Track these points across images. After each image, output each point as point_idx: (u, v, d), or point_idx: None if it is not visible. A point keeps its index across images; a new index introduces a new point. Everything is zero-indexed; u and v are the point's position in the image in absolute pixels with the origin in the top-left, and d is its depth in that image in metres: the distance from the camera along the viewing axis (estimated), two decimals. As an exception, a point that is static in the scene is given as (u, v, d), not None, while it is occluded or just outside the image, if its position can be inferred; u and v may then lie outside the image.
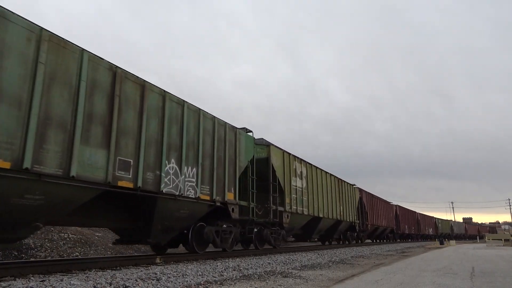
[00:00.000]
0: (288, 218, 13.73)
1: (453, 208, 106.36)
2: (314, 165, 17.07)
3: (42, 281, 4.98)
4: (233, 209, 10.38)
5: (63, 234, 12.39)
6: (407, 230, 39.34)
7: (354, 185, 24.21)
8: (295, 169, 14.91)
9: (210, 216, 9.89)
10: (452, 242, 34.68)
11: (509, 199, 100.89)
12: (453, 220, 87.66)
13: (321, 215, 16.95)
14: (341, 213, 20.03)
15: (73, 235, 12.50)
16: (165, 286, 5.31)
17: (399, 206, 37.37)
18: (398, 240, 38.99)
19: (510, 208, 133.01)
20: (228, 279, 6.30)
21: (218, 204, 9.76)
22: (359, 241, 26.39)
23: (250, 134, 12.16)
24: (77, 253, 11.26)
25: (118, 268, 6.97)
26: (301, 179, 15.28)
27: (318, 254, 13.44)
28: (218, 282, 5.91)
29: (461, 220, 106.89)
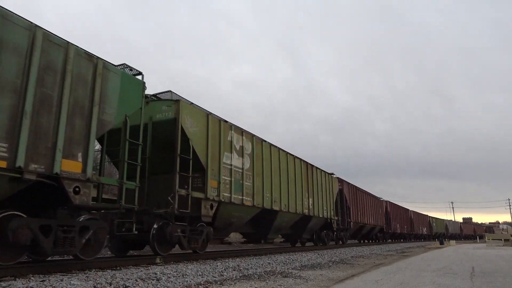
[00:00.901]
0: (212, 209, 9.83)
1: (453, 208, 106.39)
2: (268, 142, 12.90)
3: (42, 281, 4.98)
4: (77, 189, 6.41)
5: (63, 234, 12.37)
6: (399, 229, 36.44)
7: (333, 174, 20.16)
8: (231, 141, 10.88)
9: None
10: (452, 242, 34.67)
11: (509, 199, 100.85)
12: (453, 220, 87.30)
13: (276, 208, 12.67)
14: (311, 207, 16.05)
15: (73, 235, 12.49)
16: (165, 286, 5.31)
17: (390, 202, 34.26)
18: (390, 241, 36.45)
19: (510, 208, 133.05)
20: (228, 279, 6.30)
21: (35, 178, 5.79)
22: (340, 242, 21.65)
23: (138, 77, 8.29)
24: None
25: (118, 268, 6.97)
26: (242, 157, 11.26)
27: (318, 254, 13.44)
28: (218, 282, 5.91)
29: (461, 220, 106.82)
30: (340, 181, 21.71)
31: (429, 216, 51.47)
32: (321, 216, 17.27)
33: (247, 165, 11.40)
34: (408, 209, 41.87)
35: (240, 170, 11.04)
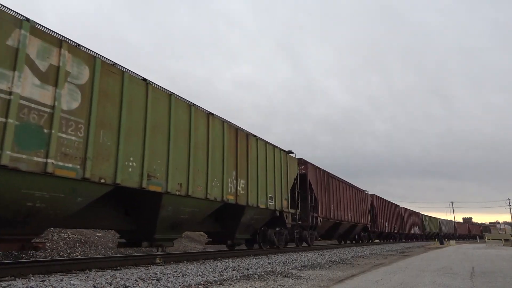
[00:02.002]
0: None
1: (453, 208, 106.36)
2: (138, 78, 7.75)
3: (42, 281, 4.97)
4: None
5: (63, 234, 12.39)
6: (388, 228, 31.82)
7: (292, 152, 15.09)
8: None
9: None
10: (452, 242, 34.65)
11: (509, 199, 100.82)
12: (453, 219, 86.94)
13: (153, 188, 7.67)
14: (242, 192, 10.89)
15: (73, 235, 12.50)
16: (165, 286, 5.31)
17: (376, 196, 29.81)
18: (377, 241, 32.74)
19: (510, 208, 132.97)
20: (228, 279, 6.30)
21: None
22: (297, 245, 16.13)
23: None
24: (77, 253, 11.26)
25: (118, 268, 6.97)
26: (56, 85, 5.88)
27: (318, 254, 13.44)
28: (218, 282, 5.91)
29: (461, 220, 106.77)
30: (303, 163, 16.63)
31: (422, 214, 47.53)
32: (263, 206, 11.90)
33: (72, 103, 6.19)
34: (398, 205, 37.77)
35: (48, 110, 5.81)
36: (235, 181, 10.69)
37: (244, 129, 11.71)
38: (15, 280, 5.05)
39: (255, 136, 12.24)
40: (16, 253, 9.72)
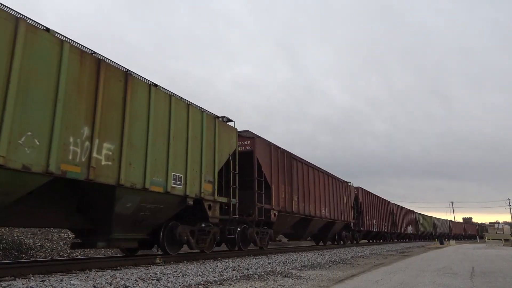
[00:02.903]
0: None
1: (453, 208, 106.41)
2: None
3: (42, 281, 4.97)
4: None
5: (63, 234, 12.39)
6: (376, 227, 27.97)
7: (229, 120, 11.39)
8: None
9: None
10: (452, 242, 34.64)
11: (509, 199, 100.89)
12: (453, 219, 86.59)
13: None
14: (99, 163, 6.48)
15: (73, 235, 12.50)
16: (165, 286, 5.31)
17: (362, 189, 25.84)
18: (364, 241, 29.72)
19: (510, 208, 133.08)
20: (228, 279, 6.30)
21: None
22: (240, 248, 11.83)
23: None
24: (77, 253, 11.26)
25: (118, 268, 6.97)
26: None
27: (318, 254, 13.44)
28: (218, 282, 5.91)
29: (461, 220, 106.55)
30: (250, 137, 12.40)
31: (416, 212, 43.97)
32: (157, 189, 7.81)
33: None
34: (389, 202, 33.73)
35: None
36: (88, 142, 6.37)
37: (124, 68, 7.57)
38: (15, 280, 5.05)
39: (148, 82, 8.01)
40: (16, 253, 9.73)
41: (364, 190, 26.49)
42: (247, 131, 12.96)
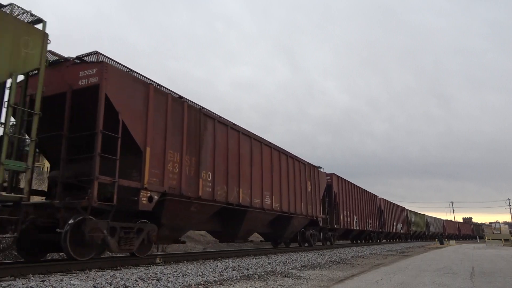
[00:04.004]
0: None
1: (453, 208, 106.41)
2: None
3: (42, 281, 4.97)
4: None
5: (63, 234, 12.37)
6: (358, 225, 23.29)
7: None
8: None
9: None
10: (452, 242, 34.62)
11: (509, 199, 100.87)
12: (453, 220, 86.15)
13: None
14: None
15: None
16: (165, 286, 5.31)
17: (336, 176, 20.61)
18: (340, 242, 24.95)
19: (510, 208, 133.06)
20: (228, 279, 6.30)
21: None
22: (78, 255, 6.73)
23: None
24: (77, 253, 11.24)
25: (118, 268, 6.97)
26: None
27: (318, 254, 13.44)
28: (218, 282, 5.91)
29: (461, 220, 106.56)
30: (91, 64, 7.45)
31: (407, 209, 39.83)
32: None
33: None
34: (376, 196, 29.27)
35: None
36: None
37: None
38: (15, 280, 5.05)
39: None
40: (16, 253, 9.72)
41: (341, 178, 21.24)
42: (96, 52, 7.83)
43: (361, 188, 25.52)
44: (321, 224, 17.67)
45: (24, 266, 5.73)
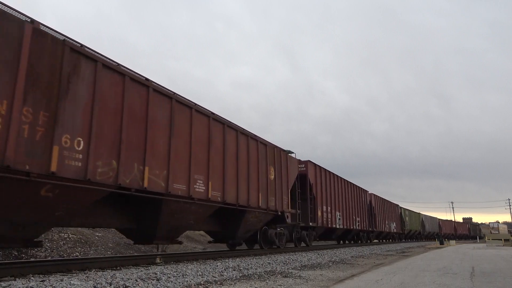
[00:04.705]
0: None
1: (453, 208, 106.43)
2: None
3: (42, 281, 4.97)
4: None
5: (63, 234, 12.39)
6: (342, 223, 20.22)
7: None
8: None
9: None
10: (452, 242, 34.60)
11: (509, 199, 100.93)
12: (453, 219, 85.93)
13: None
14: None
15: (73, 235, 12.49)
16: (165, 286, 5.31)
17: (312, 163, 17.32)
18: (332, 243, 23.25)
19: (510, 208, 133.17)
20: (228, 279, 6.30)
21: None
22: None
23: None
24: (77, 253, 11.25)
25: (118, 268, 6.97)
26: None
27: (318, 254, 13.45)
28: (218, 282, 5.91)
29: (461, 220, 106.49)
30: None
31: (401, 207, 37.22)
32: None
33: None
34: (366, 191, 26.40)
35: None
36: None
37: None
38: (15, 280, 5.05)
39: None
40: (16, 253, 9.72)
41: (320, 167, 18.07)
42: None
43: (347, 181, 22.41)
44: (288, 220, 13.98)
45: (24, 266, 5.73)
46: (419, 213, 45.82)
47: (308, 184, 16.65)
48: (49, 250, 10.81)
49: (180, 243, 9.64)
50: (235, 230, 11.45)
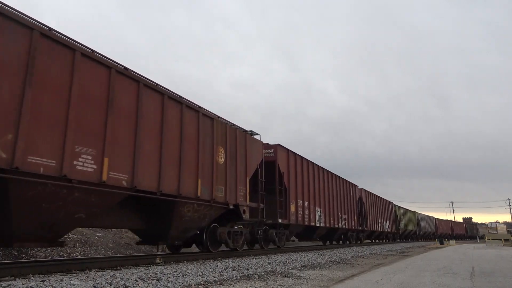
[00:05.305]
0: None
1: (453, 208, 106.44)
2: None
3: (42, 281, 4.97)
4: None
5: (63, 234, 12.37)
6: (324, 221, 17.56)
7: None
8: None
9: None
10: (452, 242, 34.58)
11: (509, 199, 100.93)
12: (453, 219, 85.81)
13: None
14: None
15: (73, 235, 12.49)
16: (165, 286, 5.31)
17: (284, 148, 14.54)
18: (312, 244, 21.08)
19: (510, 208, 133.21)
20: (228, 279, 6.30)
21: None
22: None
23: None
24: (77, 253, 11.25)
25: (118, 268, 6.97)
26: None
27: (318, 254, 13.45)
28: (218, 282, 5.91)
29: (461, 220, 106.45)
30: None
31: (395, 205, 34.36)
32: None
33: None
34: (355, 186, 23.57)
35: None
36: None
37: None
38: (15, 280, 5.05)
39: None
40: (16, 253, 9.72)
41: (293, 153, 15.19)
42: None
43: (331, 173, 19.40)
44: (246, 216, 11.20)
45: (24, 266, 5.73)
46: (414, 211, 43.58)
47: (277, 173, 13.71)
48: (49, 250, 10.81)
49: (62, 245, 6.52)
50: (165, 228, 8.65)
